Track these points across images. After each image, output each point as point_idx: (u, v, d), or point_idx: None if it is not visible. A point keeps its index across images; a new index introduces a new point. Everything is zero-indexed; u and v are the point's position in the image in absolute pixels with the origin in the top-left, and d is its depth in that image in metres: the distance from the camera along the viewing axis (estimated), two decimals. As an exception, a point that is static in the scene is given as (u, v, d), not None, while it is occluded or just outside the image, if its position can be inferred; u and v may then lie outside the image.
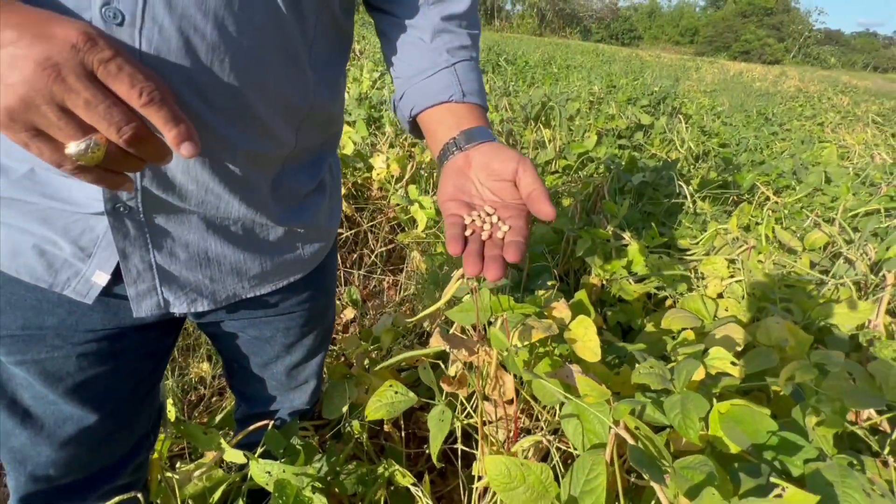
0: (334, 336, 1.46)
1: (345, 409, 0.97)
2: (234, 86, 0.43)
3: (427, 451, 1.19)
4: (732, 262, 1.21)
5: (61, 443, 0.56)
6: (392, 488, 1.00)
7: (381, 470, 0.93)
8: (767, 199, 2.12)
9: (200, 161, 0.45)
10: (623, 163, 2.08)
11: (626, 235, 1.46)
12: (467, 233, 0.46)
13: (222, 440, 0.76)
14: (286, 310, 0.66)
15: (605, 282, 1.45)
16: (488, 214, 0.47)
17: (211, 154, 0.45)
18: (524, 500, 0.59)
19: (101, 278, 0.49)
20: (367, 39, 6.10)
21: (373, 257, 1.98)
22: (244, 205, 0.51)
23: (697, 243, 1.53)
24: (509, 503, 0.59)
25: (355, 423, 1.05)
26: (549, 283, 1.31)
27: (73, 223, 0.47)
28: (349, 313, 1.45)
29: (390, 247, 2.06)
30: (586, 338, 0.74)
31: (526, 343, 0.71)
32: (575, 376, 0.63)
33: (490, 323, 0.81)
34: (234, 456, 0.76)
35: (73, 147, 0.32)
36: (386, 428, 1.16)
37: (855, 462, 0.55)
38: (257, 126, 0.47)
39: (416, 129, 0.58)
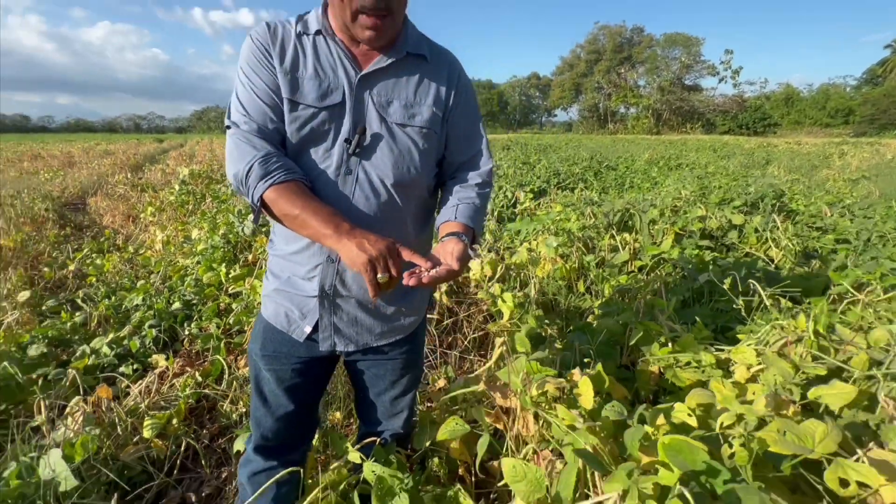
0: (431, 399, 1.86)
1: (428, 443, 1.34)
2: None
3: (493, 496, 1.46)
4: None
5: (276, 419, 1.07)
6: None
7: (450, 493, 1.25)
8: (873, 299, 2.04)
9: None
10: (695, 263, 2.25)
11: (678, 328, 1.65)
12: None
13: (348, 445, 1.20)
14: (393, 357, 1.12)
15: (661, 369, 1.64)
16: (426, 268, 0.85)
17: None
18: (526, 490, 0.90)
19: (308, 328, 1.02)
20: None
21: (466, 342, 2.40)
22: None
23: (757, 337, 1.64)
24: (516, 491, 0.90)
25: (435, 460, 1.40)
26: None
27: (301, 301, 1.01)
28: (441, 382, 1.86)
29: (482, 333, 2.47)
30: (587, 392, 1.04)
31: (541, 392, 1.04)
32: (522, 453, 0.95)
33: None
34: (354, 456, 1.19)
35: (380, 275, 0.79)
36: (460, 472, 1.47)
37: (762, 486, 0.76)
38: None
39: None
